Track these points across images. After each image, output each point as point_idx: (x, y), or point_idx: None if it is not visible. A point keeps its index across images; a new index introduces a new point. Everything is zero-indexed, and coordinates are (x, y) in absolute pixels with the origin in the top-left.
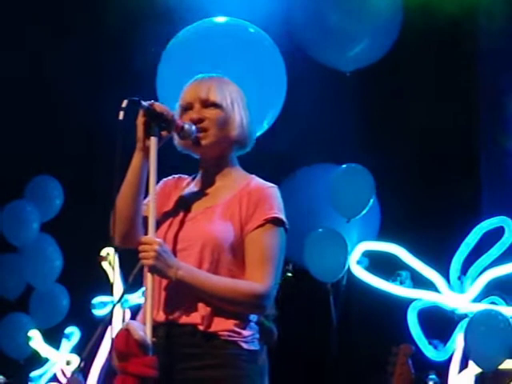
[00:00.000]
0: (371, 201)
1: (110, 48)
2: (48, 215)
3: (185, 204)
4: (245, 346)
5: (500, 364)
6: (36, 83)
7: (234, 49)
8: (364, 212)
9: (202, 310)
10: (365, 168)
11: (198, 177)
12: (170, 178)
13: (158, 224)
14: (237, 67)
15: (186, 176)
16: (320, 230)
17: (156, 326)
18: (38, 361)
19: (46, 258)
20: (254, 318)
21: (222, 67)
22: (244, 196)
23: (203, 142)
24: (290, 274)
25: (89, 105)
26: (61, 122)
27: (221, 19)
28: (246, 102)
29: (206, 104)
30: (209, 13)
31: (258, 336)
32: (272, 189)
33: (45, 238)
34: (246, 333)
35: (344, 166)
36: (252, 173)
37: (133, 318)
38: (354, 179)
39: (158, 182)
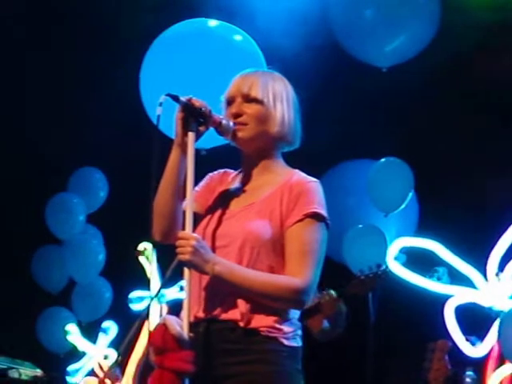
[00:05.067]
0: (410, 195)
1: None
2: (92, 208)
3: (226, 200)
4: (285, 342)
5: None
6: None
7: (217, 53)
8: (403, 206)
9: (242, 306)
10: (403, 161)
11: (241, 172)
12: (215, 172)
13: (201, 218)
14: (218, 73)
15: (232, 171)
16: (360, 225)
17: (196, 322)
18: (75, 355)
19: (90, 251)
20: (295, 314)
21: (202, 70)
22: (285, 190)
23: (239, 135)
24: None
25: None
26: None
27: (213, 22)
28: (293, 99)
29: (248, 99)
30: (244, 6)
31: (299, 333)
32: (313, 183)
33: (89, 232)
34: (286, 329)
35: (383, 159)
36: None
37: (170, 312)
38: (392, 173)
39: (197, 177)
